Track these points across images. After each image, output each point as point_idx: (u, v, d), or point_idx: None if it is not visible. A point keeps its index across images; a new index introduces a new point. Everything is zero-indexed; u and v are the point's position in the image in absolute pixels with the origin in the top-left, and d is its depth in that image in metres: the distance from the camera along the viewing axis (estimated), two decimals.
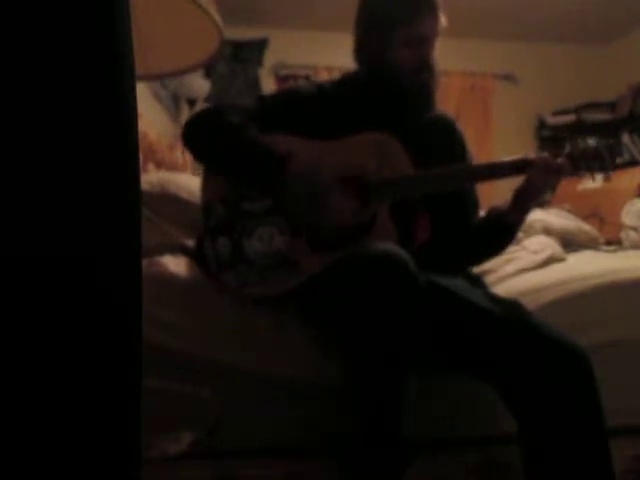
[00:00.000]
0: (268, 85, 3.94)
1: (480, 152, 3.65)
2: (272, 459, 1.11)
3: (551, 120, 4.03)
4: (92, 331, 0.42)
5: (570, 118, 3.94)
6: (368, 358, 0.87)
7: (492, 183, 1.17)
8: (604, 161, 1.08)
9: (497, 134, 4.07)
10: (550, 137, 4.01)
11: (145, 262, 1.22)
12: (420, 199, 1.13)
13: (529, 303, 1.12)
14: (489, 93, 4.14)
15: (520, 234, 1.53)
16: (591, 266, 1.39)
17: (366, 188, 1.09)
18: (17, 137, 0.38)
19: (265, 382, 1.15)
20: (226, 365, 1.14)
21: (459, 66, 3.93)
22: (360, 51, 1.20)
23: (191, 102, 3.51)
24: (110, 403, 0.43)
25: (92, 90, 0.41)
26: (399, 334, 0.86)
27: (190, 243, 1.32)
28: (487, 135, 4.06)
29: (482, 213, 1.24)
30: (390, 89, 1.18)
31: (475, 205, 1.25)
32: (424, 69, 1.14)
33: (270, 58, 3.97)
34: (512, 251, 1.52)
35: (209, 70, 3.73)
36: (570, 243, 1.87)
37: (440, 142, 1.22)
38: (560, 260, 1.54)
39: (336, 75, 1.36)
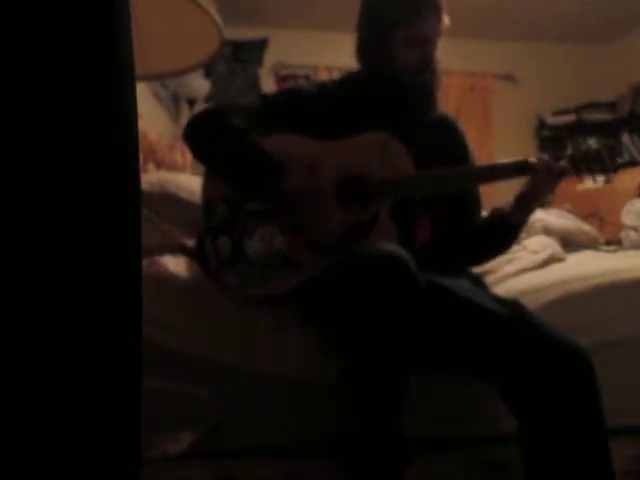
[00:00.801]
0: (268, 85, 3.93)
1: (480, 152, 3.62)
2: (272, 459, 1.11)
3: (551, 120, 4.03)
4: (92, 331, 0.42)
5: (570, 118, 3.94)
6: (368, 358, 0.87)
7: (493, 184, 1.17)
8: (605, 163, 1.08)
9: (497, 134, 4.06)
10: (550, 137, 4.01)
11: (145, 262, 1.22)
12: (421, 199, 1.13)
13: (529, 303, 1.11)
14: (489, 93, 4.14)
15: (522, 234, 1.53)
16: (591, 266, 1.39)
17: (367, 188, 1.09)
18: (17, 137, 0.38)
19: (265, 382, 1.15)
20: (226, 365, 1.14)
21: (459, 66, 3.93)
22: (362, 51, 1.20)
23: (191, 102, 3.51)
24: (110, 403, 0.43)
25: (92, 90, 0.41)
26: (399, 334, 0.86)
27: (190, 243, 1.32)
28: (487, 135, 4.05)
29: (484, 213, 1.24)
30: (391, 89, 1.18)
31: (478, 205, 1.25)
32: (426, 69, 1.14)
33: (270, 58, 3.97)
34: (513, 251, 1.52)
35: (209, 70, 3.73)
36: (570, 243, 1.87)
37: (442, 142, 1.22)
38: (560, 260, 1.54)
39: (336, 75, 1.36)
